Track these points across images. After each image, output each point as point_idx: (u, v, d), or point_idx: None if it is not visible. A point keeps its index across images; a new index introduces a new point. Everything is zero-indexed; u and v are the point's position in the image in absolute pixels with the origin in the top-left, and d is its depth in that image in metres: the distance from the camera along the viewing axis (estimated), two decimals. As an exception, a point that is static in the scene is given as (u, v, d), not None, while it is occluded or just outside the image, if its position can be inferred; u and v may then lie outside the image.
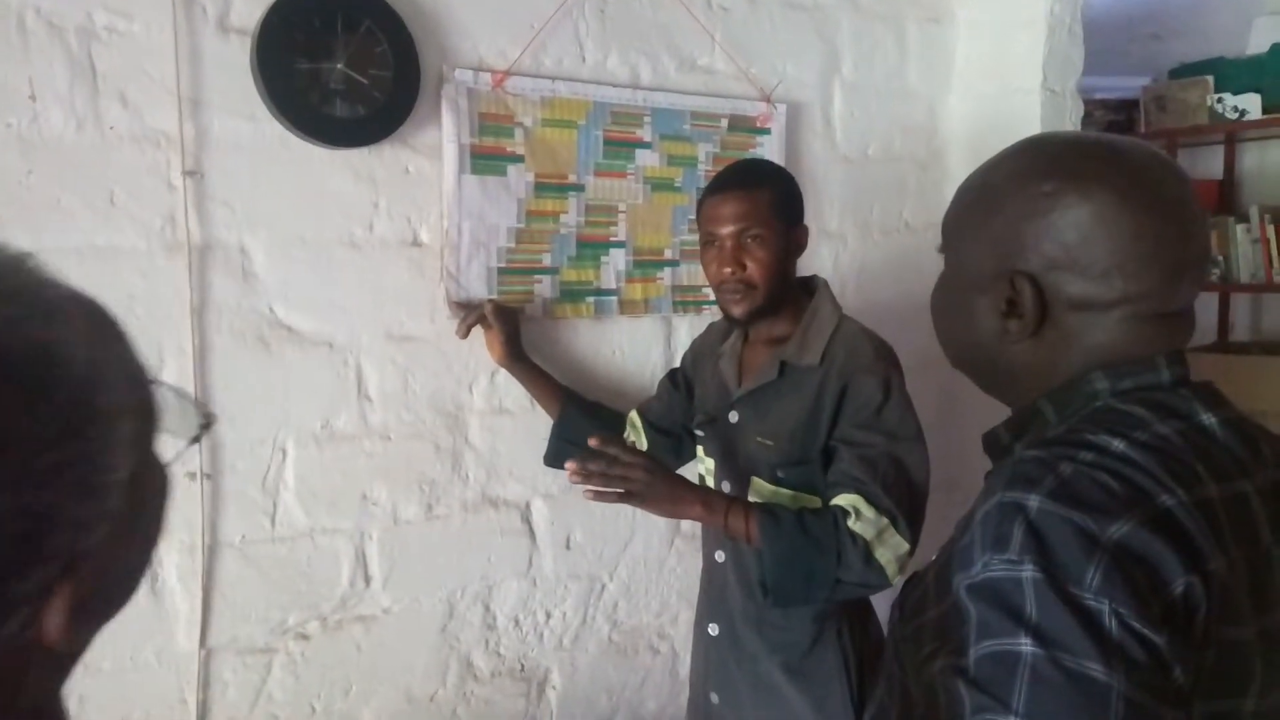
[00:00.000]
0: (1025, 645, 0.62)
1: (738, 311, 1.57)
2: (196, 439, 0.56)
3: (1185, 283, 0.77)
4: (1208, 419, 0.74)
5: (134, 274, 1.53)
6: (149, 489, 0.52)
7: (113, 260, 1.51)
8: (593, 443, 1.45)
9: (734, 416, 1.64)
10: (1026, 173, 0.79)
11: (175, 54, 1.52)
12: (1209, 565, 0.65)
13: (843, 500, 1.44)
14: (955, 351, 0.88)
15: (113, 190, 1.51)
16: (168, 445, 0.54)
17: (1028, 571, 0.63)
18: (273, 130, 1.60)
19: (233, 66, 1.56)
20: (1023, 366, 0.81)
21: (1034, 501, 0.66)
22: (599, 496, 1.44)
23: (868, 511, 1.41)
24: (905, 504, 1.44)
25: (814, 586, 1.44)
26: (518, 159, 1.84)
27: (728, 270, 1.55)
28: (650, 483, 1.44)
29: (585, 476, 1.41)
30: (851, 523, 1.41)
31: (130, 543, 0.51)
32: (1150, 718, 0.60)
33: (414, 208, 1.76)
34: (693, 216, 2.07)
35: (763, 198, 1.55)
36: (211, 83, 1.56)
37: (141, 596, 1.56)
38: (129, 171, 1.51)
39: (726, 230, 1.55)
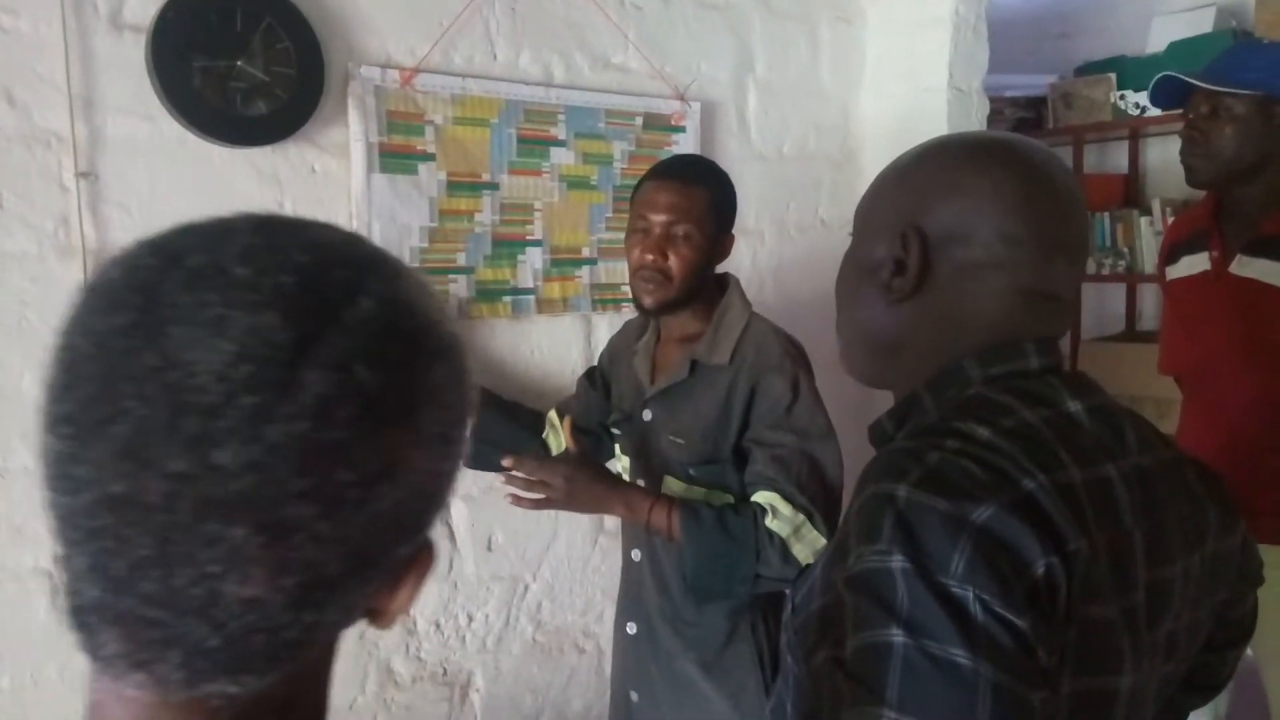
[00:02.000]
0: (897, 636, 0.63)
1: (649, 301, 1.58)
2: None
3: (1061, 262, 0.80)
4: (1074, 406, 0.76)
5: (25, 279, 1.47)
6: None
7: (2, 265, 1.45)
8: (505, 463, 1.49)
9: (647, 415, 1.64)
10: (933, 154, 0.85)
11: (65, 52, 1.46)
12: (1069, 546, 0.67)
13: (760, 498, 1.47)
14: (845, 330, 0.91)
15: (1, 193, 1.45)
16: None
17: (897, 562, 0.64)
18: (170, 130, 1.56)
19: (127, 64, 1.52)
20: (905, 341, 0.84)
21: (903, 491, 0.67)
22: (517, 502, 1.50)
23: (784, 509, 1.44)
24: (820, 500, 1.46)
25: (734, 582, 1.46)
26: (429, 157, 1.82)
27: (649, 257, 1.55)
28: (569, 488, 1.48)
29: (512, 485, 1.49)
30: (769, 521, 1.43)
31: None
32: (1016, 701, 0.61)
33: (322, 208, 1.72)
34: (609, 214, 2.07)
35: (700, 197, 1.56)
36: (105, 81, 1.51)
37: (40, 611, 1.52)
38: (18, 173, 1.46)
39: (658, 218, 1.56)
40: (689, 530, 1.45)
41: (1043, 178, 0.80)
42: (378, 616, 0.51)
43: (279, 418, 0.40)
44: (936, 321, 0.82)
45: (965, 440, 0.71)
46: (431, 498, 0.49)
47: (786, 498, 1.44)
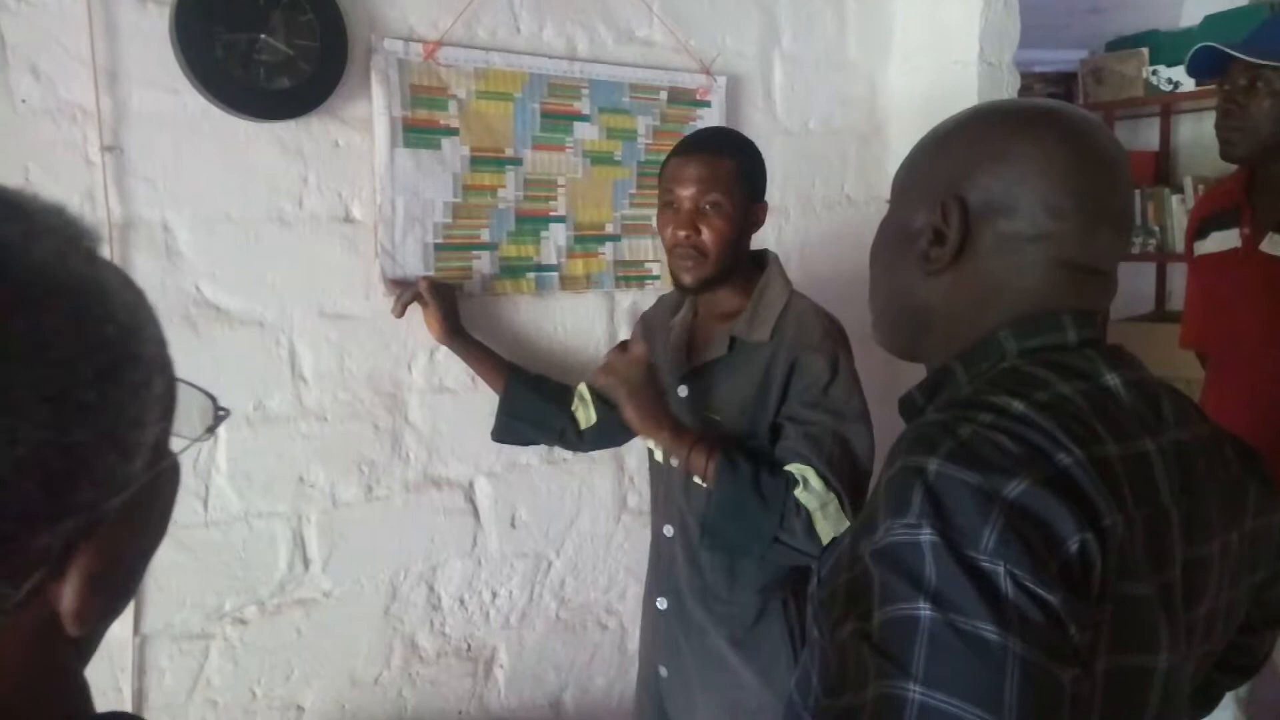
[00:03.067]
0: (924, 610, 0.61)
1: (687, 280, 1.56)
2: (210, 432, 0.53)
3: (1105, 234, 0.78)
4: (1111, 380, 0.74)
5: (51, 253, 1.48)
6: (167, 469, 0.49)
7: (28, 239, 1.46)
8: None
9: (683, 391, 1.63)
10: (975, 121, 0.83)
11: (89, 24, 1.46)
12: (1104, 522, 0.65)
13: (794, 469, 1.46)
14: (878, 299, 0.89)
15: (27, 166, 1.45)
16: (178, 440, 0.51)
17: (926, 535, 0.63)
18: (195, 103, 1.55)
19: (151, 37, 1.51)
20: (940, 312, 0.82)
21: (933, 465, 0.65)
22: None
23: (816, 483, 1.43)
24: (848, 482, 1.45)
25: (751, 539, 1.46)
26: (452, 132, 1.81)
27: (683, 234, 1.54)
28: (641, 385, 1.50)
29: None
30: (799, 491, 1.42)
31: (144, 526, 0.48)
32: (1045, 677, 0.60)
33: (345, 182, 1.72)
34: (633, 190, 2.05)
35: (727, 166, 1.54)
36: (129, 54, 1.50)
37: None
38: (44, 147, 1.46)
39: (686, 193, 1.54)
40: (723, 476, 1.45)
41: (1089, 147, 0.78)
42: (60, 619, 0.44)
43: None
44: (974, 293, 0.80)
45: (998, 414, 0.69)
46: (61, 475, 0.40)
47: (819, 475, 1.44)
